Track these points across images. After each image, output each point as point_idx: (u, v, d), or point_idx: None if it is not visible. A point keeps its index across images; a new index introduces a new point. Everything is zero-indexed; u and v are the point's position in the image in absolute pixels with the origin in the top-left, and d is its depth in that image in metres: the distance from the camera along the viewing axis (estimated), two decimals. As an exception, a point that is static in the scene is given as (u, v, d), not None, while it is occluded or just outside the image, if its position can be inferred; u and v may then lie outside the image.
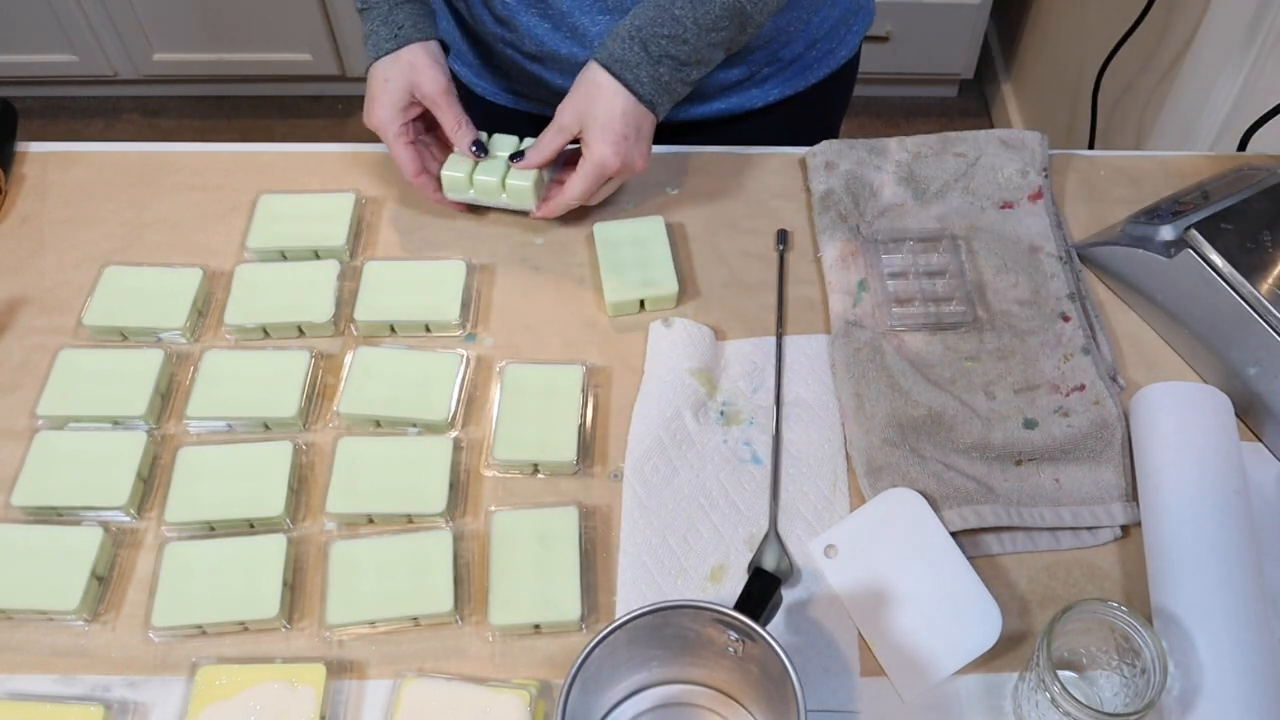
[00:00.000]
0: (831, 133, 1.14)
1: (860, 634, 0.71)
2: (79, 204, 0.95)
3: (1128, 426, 0.78)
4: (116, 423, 0.80)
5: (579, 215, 0.94)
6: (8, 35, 2.21)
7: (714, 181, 0.97)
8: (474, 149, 0.89)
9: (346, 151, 1.00)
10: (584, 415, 0.81)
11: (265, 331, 0.86)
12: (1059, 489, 0.77)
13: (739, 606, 0.63)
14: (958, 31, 2.24)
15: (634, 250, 0.89)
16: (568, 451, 0.78)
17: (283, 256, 0.91)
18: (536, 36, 0.94)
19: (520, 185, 0.89)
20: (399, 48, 0.88)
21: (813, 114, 1.09)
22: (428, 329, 0.86)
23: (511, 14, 0.93)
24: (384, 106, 0.88)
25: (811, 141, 0.99)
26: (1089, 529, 0.75)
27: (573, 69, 0.88)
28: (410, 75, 0.88)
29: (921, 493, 0.75)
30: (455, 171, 0.89)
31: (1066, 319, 0.85)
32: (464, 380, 0.83)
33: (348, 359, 0.83)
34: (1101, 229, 0.93)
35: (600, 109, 0.84)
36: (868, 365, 0.82)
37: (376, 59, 0.89)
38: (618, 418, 0.81)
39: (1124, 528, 0.76)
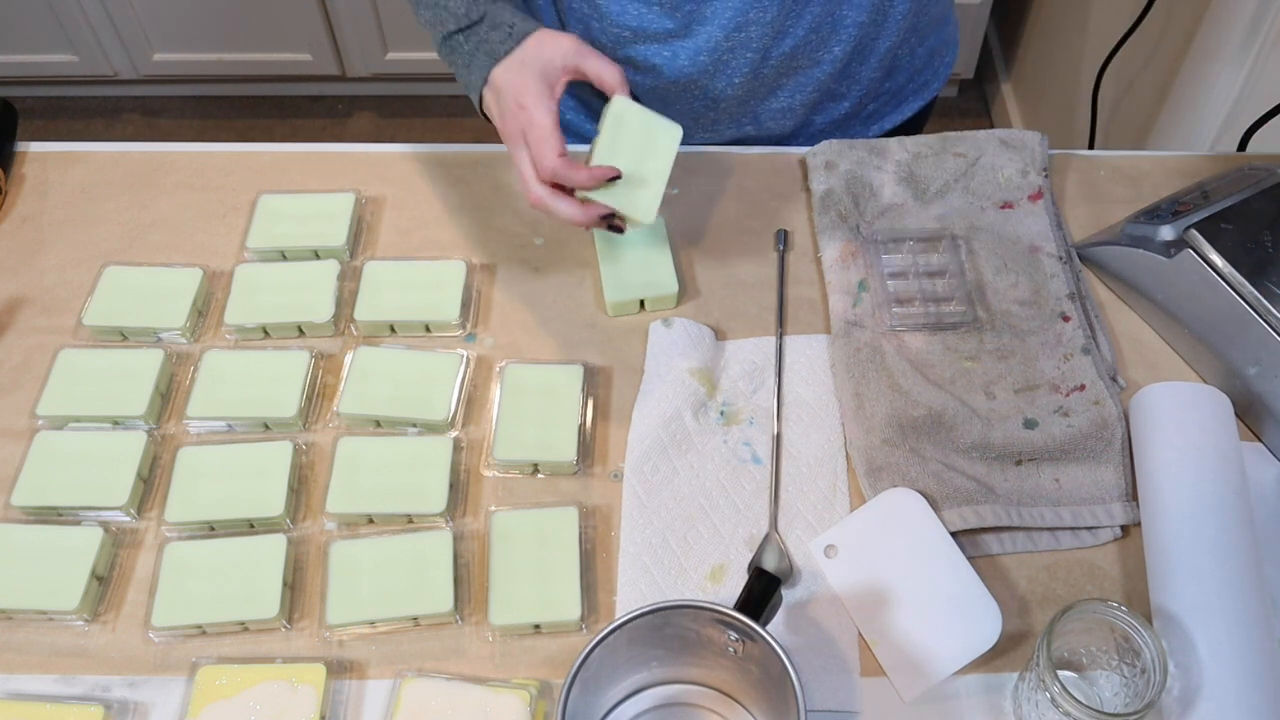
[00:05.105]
0: None
1: (860, 634, 0.71)
2: (79, 204, 0.95)
3: (1128, 426, 0.78)
4: (116, 423, 0.80)
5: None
6: (8, 35, 2.21)
7: (714, 181, 0.97)
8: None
9: (346, 151, 1.00)
10: (584, 415, 0.81)
11: (265, 331, 0.86)
12: (1059, 489, 0.77)
13: (739, 606, 0.63)
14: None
15: (634, 250, 0.89)
16: (568, 451, 0.78)
17: (283, 256, 0.91)
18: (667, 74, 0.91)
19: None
20: (528, 32, 0.80)
21: None
22: (428, 329, 0.86)
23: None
24: (542, 97, 0.77)
25: None
26: (1089, 529, 0.75)
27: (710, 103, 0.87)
28: (539, 53, 0.78)
29: (921, 493, 0.74)
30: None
31: (1066, 319, 0.85)
32: (464, 380, 0.83)
33: (348, 359, 0.83)
34: (1101, 229, 0.93)
35: None
36: (868, 365, 0.82)
37: (498, 60, 0.79)
38: (618, 418, 0.81)
39: (1124, 528, 0.76)
